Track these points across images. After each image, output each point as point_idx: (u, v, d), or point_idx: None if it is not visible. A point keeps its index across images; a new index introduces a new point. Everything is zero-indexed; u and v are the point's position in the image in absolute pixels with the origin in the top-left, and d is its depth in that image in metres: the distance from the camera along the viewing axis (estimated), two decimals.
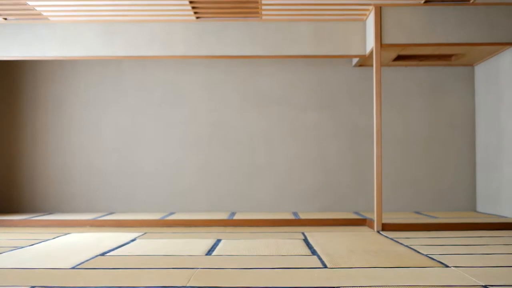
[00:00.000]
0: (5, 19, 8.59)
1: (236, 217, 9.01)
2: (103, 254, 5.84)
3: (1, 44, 8.69)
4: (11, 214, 9.55)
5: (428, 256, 5.57)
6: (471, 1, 8.11)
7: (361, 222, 8.60)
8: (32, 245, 6.53)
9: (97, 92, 10.14)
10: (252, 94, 10.12)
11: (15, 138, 10.07)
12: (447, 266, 5.04)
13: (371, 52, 8.37)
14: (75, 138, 10.11)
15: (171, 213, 9.59)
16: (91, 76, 10.15)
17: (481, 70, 9.74)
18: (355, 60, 9.85)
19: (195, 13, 8.57)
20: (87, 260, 5.43)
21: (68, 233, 7.70)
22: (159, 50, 8.75)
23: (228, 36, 8.71)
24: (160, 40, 8.74)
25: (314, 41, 8.70)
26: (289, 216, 9.10)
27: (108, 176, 10.05)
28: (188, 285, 4.26)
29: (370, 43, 8.37)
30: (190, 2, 8.17)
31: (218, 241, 6.78)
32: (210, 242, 6.65)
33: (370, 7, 8.31)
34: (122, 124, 10.11)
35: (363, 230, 7.92)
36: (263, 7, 8.33)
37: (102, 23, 8.71)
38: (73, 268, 5.04)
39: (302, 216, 9.06)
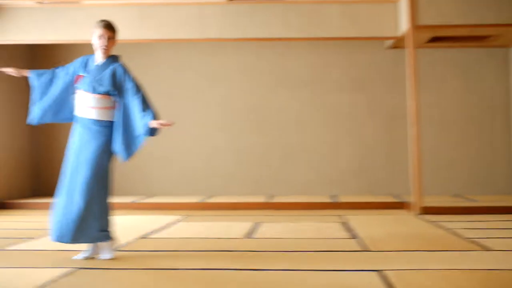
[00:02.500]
0: (40, 3, 8.67)
1: (274, 200, 9.03)
2: (145, 236, 5.91)
3: (37, 28, 8.76)
4: (52, 197, 9.68)
5: (469, 240, 5.53)
6: None
7: (399, 205, 8.56)
8: None
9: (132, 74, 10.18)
10: (286, 77, 10.08)
11: (55, 123, 10.14)
12: (489, 250, 5.00)
13: (404, 34, 8.26)
14: None
15: (211, 196, 9.64)
16: (125, 59, 10.20)
17: None
18: (387, 42, 9.75)
19: None
20: (129, 242, 5.49)
21: None
22: (192, 33, 8.74)
23: (260, 18, 8.65)
24: (193, 23, 8.72)
25: (345, 23, 8.60)
26: (327, 199, 9.09)
27: (148, 159, 10.12)
28: (228, 267, 4.29)
29: (403, 25, 8.26)
30: None
31: (258, 224, 6.80)
32: (249, 225, 6.67)
33: None
34: (159, 108, 10.13)
35: (402, 214, 7.88)
36: None
37: (135, 6, 8.73)
38: (116, 250, 5.10)
39: (341, 199, 9.04)
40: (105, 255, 4.66)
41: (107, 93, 4.68)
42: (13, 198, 9.29)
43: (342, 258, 4.67)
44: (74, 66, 4.82)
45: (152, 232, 6.18)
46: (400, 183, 9.78)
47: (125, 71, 4.76)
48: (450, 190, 9.85)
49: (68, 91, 4.79)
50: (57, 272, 4.12)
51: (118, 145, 4.68)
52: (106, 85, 4.67)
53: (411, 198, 8.08)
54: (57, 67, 4.90)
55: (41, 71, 4.88)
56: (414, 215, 7.65)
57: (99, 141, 4.63)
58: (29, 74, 4.86)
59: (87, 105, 4.65)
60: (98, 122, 4.65)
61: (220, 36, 8.75)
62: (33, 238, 5.82)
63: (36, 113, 4.83)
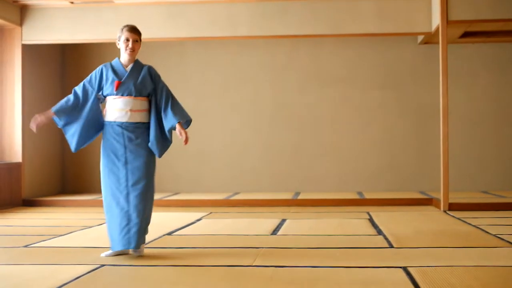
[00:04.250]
0: (72, 2, 8.73)
1: (300, 197, 9.02)
2: (170, 233, 5.93)
3: (68, 27, 8.83)
4: (81, 194, 9.76)
5: (497, 236, 5.47)
6: None
7: (427, 201, 8.50)
8: (101, 224, 6.67)
9: (161, 73, 10.20)
10: (315, 74, 10.06)
11: None
12: None
13: (437, 29, 8.19)
14: None
15: (236, 193, 9.66)
16: (154, 58, 10.25)
17: None
18: (420, 38, 9.68)
19: None
20: (154, 239, 5.51)
21: None
22: (222, 31, 8.75)
23: (291, 15, 8.63)
24: (223, 21, 8.72)
25: (377, 18, 8.55)
26: (353, 196, 9.06)
27: (173, 157, 10.15)
28: (254, 264, 4.29)
29: (436, 20, 8.19)
30: None
31: (283, 220, 6.80)
32: (275, 222, 6.67)
33: None
34: (186, 104, 10.14)
35: (429, 210, 7.83)
36: None
37: (165, 4, 8.76)
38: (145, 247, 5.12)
39: (367, 196, 9.00)
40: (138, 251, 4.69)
41: (147, 95, 4.81)
42: (41, 196, 9.38)
43: (367, 255, 4.65)
44: (96, 79, 4.80)
45: (178, 229, 6.20)
46: (430, 179, 9.70)
47: (156, 72, 4.94)
48: (480, 187, 9.75)
49: (96, 108, 4.81)
50: (84, 269, 4.15)
51: (152, 143, 4.76)
52: (148, 87, 4.81)
53: (439, 195, 8.02)
54: (74, 89, 4.81)
55: (63, 105, 4.75)
56: (441, 212, 7.60)
57: (146, 146, 4.75)
58: (54, 115, 4.75)
59: (129, 109, 4.73)
60: (142, 124, 4.76)
61: (249, 34, 8.74)
62: (60, 235, 5.87)
63: (75, 142, 4.81)
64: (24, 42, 8.91)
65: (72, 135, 4.79)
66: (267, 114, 10.10)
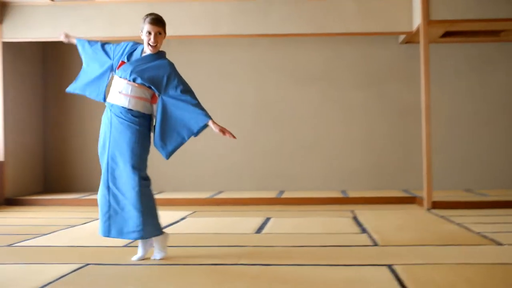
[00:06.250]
0: (53, 0, 8.68)
1: (284, 195, 9.02)
2: None
3: (49, 25, 8.76)
4: (63, 193, 9.71)
5: (480, 234, 5.50)
6: None
7: (410, 200, 8.53)
8: (85, 223, 6.65)
9: None
10: (297, 72, 10.05)
11: (65, 121, 10.20)
12: (500, 244, 4.98)
13: (418, 29, 8.22)
14: None
15: (220, 192, 9.65)
16: None
17: None
18: (401, 37, 9.71)
19: None
20: None
21: None
22: (203, 30, 8.72)
23: (272, 14, 8.62)
24: (204, 19, 8.69)
25: (359, 18, 8.55)
26: (337, 194, 9.08)
27: (156, 155, 10.10)
28: (239, 262, 4.29)
29: (417, 20, 8.22)
30: None
31: (268, 219, 6.80)
32: (259, 221, 6.67)
33: None
34: None
35: (413, 208, 7.86)
36: None
37: (146, 3, 8.71)
38: (125, 246, 5.11)
39: (351, 194, 9.02)
40: (159, 252, 4.58)
41: (143, 84, 4.52)
42: (23, 195, 9.32)
43: (352, 253, 4.66)
44: (120, 50, 4.67)
45: (162, 228, 6.17)
46: (414, 178, 9.71)
47: (174, 68, 4.73)
48: (463, 185, 9.80)
49: (107, 71, 4.66)
50: (68, 268, 4.13)
51: (157, 141, 4.61)
52: (146, 77, 4.51)
53: (422, 193, 8.06)
54: (104, 43, 4.74)
55: (88, 41, 4.75)
56: (424, 210, 7.63)
57: (132, 131, 4.47)
58: (76, 41, 4.77)
59: (122, 92, 4.49)
60: (130, 111, 4.48)
61: (231, 32, 8.72)
62: (44, 234, 5.83)
63: (78, 83, 4.73)
64: (3, 40, 8.83)
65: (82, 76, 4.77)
66: (250, 113, 10.09)
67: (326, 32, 8.67)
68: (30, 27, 8.79)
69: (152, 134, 4.64)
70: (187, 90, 4.74)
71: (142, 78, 4.51)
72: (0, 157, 8.88)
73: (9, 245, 5.16)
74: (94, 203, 8.74)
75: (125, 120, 4.46)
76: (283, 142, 10.02)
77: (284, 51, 10.06)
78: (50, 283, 3.70)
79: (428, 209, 7.67)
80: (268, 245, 5.12)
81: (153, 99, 4.61)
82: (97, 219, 7.03)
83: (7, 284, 3.72)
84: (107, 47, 4.71)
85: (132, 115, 4.49)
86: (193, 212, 7.66)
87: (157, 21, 4.56)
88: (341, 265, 4.14)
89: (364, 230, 5.84)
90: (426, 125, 7.85)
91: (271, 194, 9.15)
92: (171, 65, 4.69)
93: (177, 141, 4.67)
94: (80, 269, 4.10)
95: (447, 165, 9.77)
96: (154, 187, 9.90)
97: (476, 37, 9.33)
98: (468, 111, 9.86)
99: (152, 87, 4.56)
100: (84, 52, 4.76)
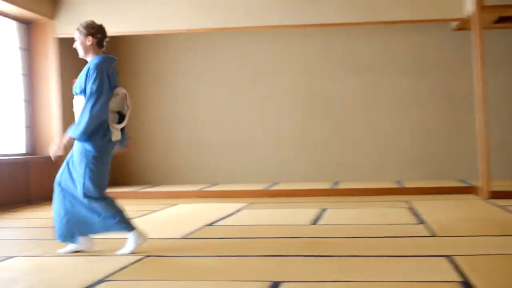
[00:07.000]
0: None
1: (339, 186, 8.98)
2: (210, 224, 5.95)
3: (100, 20, 8.69)
4: (120, 186, 9.83)
5: None
6: None
7: (467, 190, 8.40)
8: (142, 216, 6.72)
9: (194, 64, 10.26)
10: (348, 62, 9.96)
11: None
12: None
13: (470, 15, 8.05)
14: (178, 111, 10.27)
15: (274, 184, 9.65)
16: (187, 49, 10.27)
17: None
18: (452, 24, 9.52)
19: None
20: (196, 230, 5.54)
21: (175, 204, 7.88)
22: (253, 21, 8.68)
23: (323, 4, 8.54)
24: (254, 11, 8.66)
25: (410, 5, 8.41)
26: (392, 184, 9.00)
27: (211, 147, 10.19)
28: (296, 254, 4.29)
29: (469, 6, 8.06)
30: None
31: (323, 210, 6.78)
32: (315, 212, 6.65)
33: None
34: (222, 95, 10.19)
35: (469, 198, 7.75)
36: None
37: None
38: (183, 238, 5.16)
39: (406, 184, 8.93)
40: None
41: (82, 94, 4.52)
42: None
43: (410, 244, 4.62)
44: None
45: (218, 220, 6.22)
46: (466, 167, 9.57)
47: (93, 71, 4.48)
48: None
49: None
50: (127, 259, 4.19)
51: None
52: (80, 86, 4.51)
53: (479, 183, 7.93)
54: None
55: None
56: (482, 200, 7.51)
57: (78, 146, 4.63)
58: None
59: (76, 108, 4.59)
60: None
61: (281, 23, 8.69)
62: None
63: None
64: (56, 36, 8.97)
65: None
66: (302, 103, 10.05)
67: (377, 21, 8.57)
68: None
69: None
70: (87, 97, 4.49)
71: (79, 89, 4.54)
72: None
73: None
74: (150, 195, 8.88)
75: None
76: (336, 132, 9.97)
77: (334, 41, 10.00)
78: (111, 274, 3.76)
79: (486, 199, 7.55)
80: (325, 236, 5.10)
81: None
82: (155, 211, 7.14)
83: (69, 275, 3.80)
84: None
85: None
86: (248, 204, 7.68)
87: (77, 28, 4.66)
88: (399, 256, 4.10)
89: (421, 221, 5.78)
90: (481, 113, 7.71)
91: (326, 185, 9.12)
92: (94, 67, 4.51)
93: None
94: (140, 261, 4.15)
95: (504, 153, 9.57)
96: (208, 179, 9.99)
97: None
98: None
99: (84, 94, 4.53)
100: None
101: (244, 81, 10.17)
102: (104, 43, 4.73)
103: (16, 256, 4.48)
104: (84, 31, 4.61)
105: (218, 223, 6.02)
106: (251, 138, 10.13)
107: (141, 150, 10.23)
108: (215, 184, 9.83)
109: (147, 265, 4.05)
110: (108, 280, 3.61)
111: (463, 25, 9.07)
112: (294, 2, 8.57)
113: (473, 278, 3.41)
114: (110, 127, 4.53)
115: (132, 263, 4.07)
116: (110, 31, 8.80)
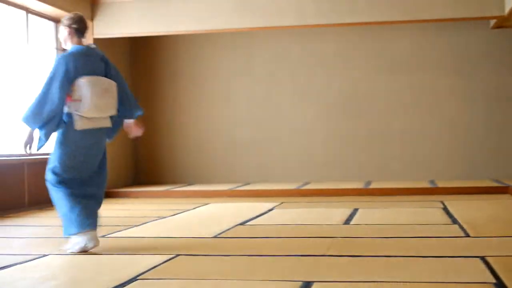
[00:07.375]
0: None
1: (371, 186, 8.94)
2: (242, 223, 5.96)
3: (137, 20, 8.92)
4: (153, 185, 9.90)
5: None
6: None
7: (502, 190, 8.30)
8: (174, 215, 6.76)
9: (230, 64, 10.28)
10: (384, 61, 9.91)
11: (156, 112, 10.37)
12: None
13: (510, 12, 7.93)
14: (213, 110, 10.30)
15: (306, 183, 9.63)
16: (223, 48, 10.29)
17: None
18: (492, 22, 9.41)
19: None
20: (227, 229, 5.55)
21: (207, 203, 7.91)
22: (290, 21, 8.68)
23: (360, 2, 8.49)
24: (291, 10, 8.65)
25: (448, 3, 8.32)
26: (425, 184, 8.93)
27: (243, 147, 10.20)
28: (327, 253, 4.27)
29: (510, 3, 7.95)
30: None
31: (355, 210, 6.75)
32: (347, 212, 6.63)
33: None
34: (256, 95, 10.20)
35: (505, 198, 7.65)
36: None
37: None
38: (214, 237, 5.17)
39: (439, 184, 8.86)
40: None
41: None
42: (115, 187, 9.55)
43: (443, 244, 4.58)
44: None
45: (250, 219, 6.22)
46: (503, 167, 9.46)
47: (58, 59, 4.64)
48: None
49: None
50: (160, 258, 4.21)
51: None
52: None
53: None
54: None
55: None
56: None
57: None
58: None
59: None
60: None
61: (318, 23, 8.66)
62: (135, 225, 5.97)
63: None
64: (95, 36, 9.05)
65: None
66: (336, 103, 10.02)
67: (415, 19, 8.49)
68: (119, 23, 8.97)
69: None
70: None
71: None
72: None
73: (103, 236, 5.28)
74: (182, 194, 8.92)
75: None
76: (369, 132, 9.92)
77: (371, 39, 9.95)
78: (143, 273, 3.78)
79: None
80: (357, 236, 5.08)
81: (68, 97, 4.60)
82: (187, 210, 7.17)
83: (102, 273, 3.83)
84: None
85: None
86: (280, 203, 7.68)
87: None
88: (432, 257, 4.06)
89: (454, 221, 5.72)
90: None
91: (359, 185, 9.09)
92: (56, 60, 4.65)
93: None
94: (171, 260, 4.17)
95: None
96: (241, 178, 10.00)
97: None
98: None
99: None
100: None
101: (279, 81, 10.16)
102: (84, 33, 4.82)
103: (48, 255, 4.52)
104: (64, 22, 4.76)
105: (250, 223, 6.02)
106: (284, 138, 10.12)
107: (175, 149, 10.28)
108: (247, 184, 9.84)
109: (178, 264, 4.06)
110: (140, 279, 3.63)
111: (503, 22, 8.90)
112: (331, 1, 8.50)
113: (506, 279, 3.37)
114: (74, 116, 4.58)
115: (164, 262, 4.09)
116: (147, 31, 8.95)
